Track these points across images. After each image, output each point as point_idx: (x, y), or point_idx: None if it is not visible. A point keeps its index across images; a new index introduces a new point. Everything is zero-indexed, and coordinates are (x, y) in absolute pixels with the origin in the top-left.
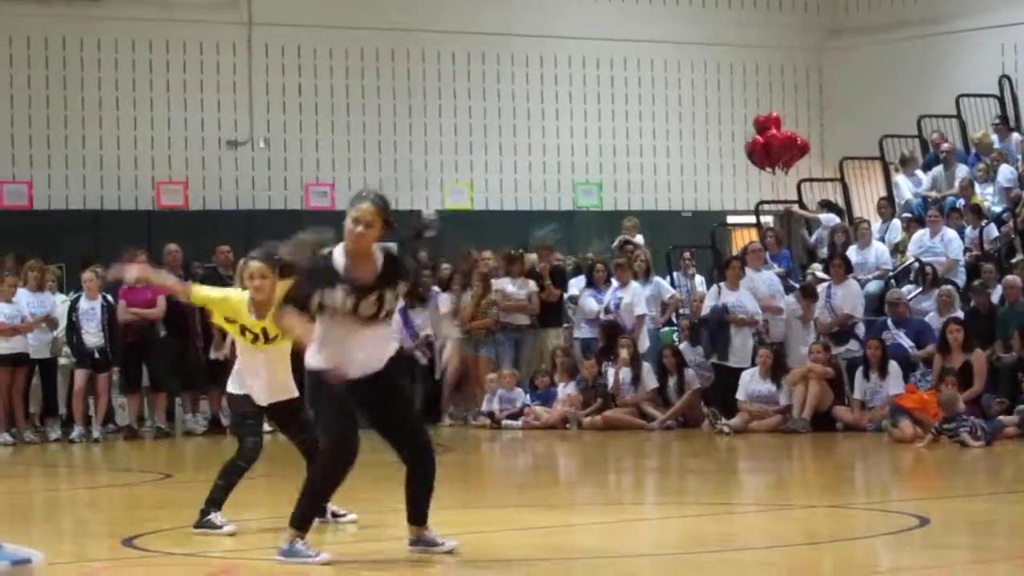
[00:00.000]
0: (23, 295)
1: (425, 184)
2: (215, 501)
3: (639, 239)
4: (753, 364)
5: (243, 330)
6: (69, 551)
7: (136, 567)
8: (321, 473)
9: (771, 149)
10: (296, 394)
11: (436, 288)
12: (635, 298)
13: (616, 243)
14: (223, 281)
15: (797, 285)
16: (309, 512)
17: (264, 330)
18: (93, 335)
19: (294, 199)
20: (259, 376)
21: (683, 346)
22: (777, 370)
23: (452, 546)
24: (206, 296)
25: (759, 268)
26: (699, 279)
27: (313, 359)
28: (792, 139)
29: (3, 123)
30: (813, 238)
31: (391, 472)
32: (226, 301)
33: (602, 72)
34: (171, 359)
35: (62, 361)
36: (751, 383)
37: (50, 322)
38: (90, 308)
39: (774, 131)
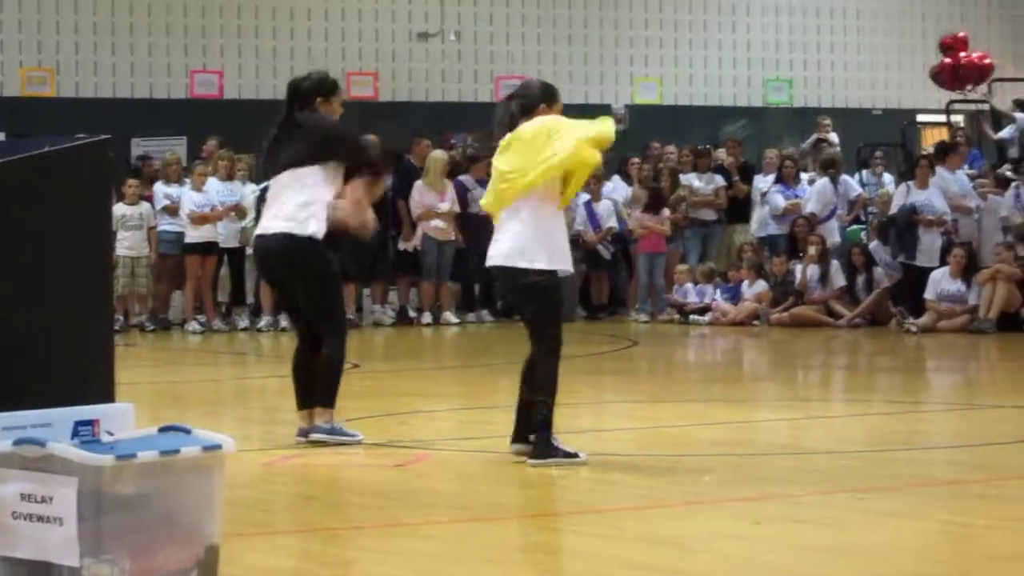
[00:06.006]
0: (213, 184)
1: (615, 78)
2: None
3: (833, 137)
4: (941, 264)
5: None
6: (258, 438)
7: (325, 455)
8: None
9: (960, 72)
10: None
11: (616, 177)
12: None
13: (810, 141)
14: (417, 174)
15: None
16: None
17: None
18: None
19: (484, 92)
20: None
21: (873, 245)
22: (969, 270)
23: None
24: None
25: (954, 170)
26: (887, 177)
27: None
28: (981, 61)
29: (194, 13)
30: (997, 135)
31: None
32: None
33: None
34: (360, 250)
35: (251, 251)
36: (941, 282)
37: (239, 211)
38: None
39: (962, 54)
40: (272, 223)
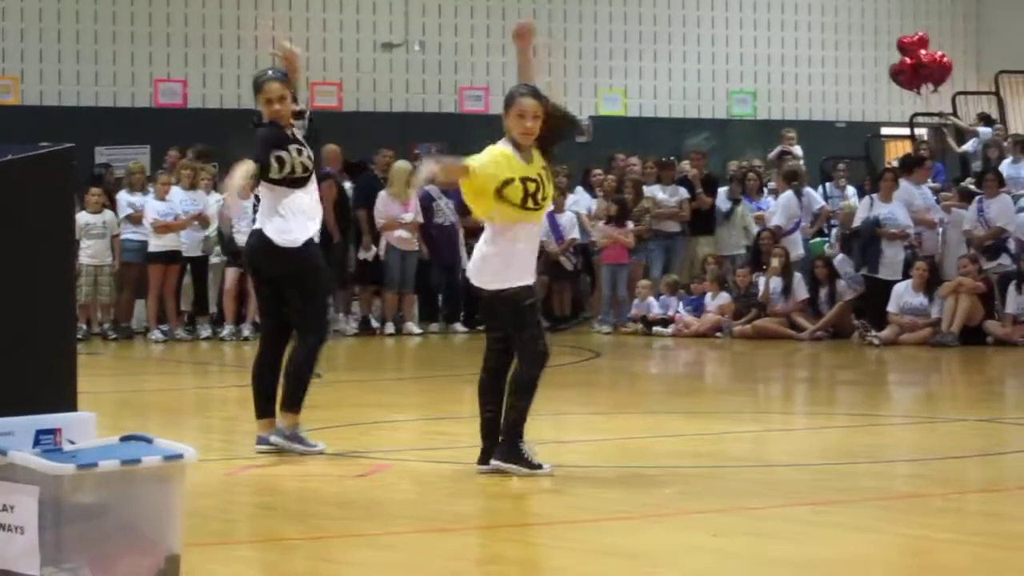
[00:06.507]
0: (176, 193)
1: (579, 90)
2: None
3: (797, 150)
4: (904, 277)
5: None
6: (219, 448)
7: (286, 465)
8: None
9: (920, 71)
10: None
11: (580, 188)
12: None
13: (774, 153)
14: (380, 184)
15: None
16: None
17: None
18: (244, 234)
19: (448, 103)
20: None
21: (838, 258)
22: (931, 283)
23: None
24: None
25: (919, 185)
26: (851, 190)
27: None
28: (941, 59)
29: (159, 22)
30: (960, 148)
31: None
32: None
33: None
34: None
35: (213, 260)
36: (904, 295)
37: (202, 220)
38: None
39: (922, 53)
40: (264, 225)
